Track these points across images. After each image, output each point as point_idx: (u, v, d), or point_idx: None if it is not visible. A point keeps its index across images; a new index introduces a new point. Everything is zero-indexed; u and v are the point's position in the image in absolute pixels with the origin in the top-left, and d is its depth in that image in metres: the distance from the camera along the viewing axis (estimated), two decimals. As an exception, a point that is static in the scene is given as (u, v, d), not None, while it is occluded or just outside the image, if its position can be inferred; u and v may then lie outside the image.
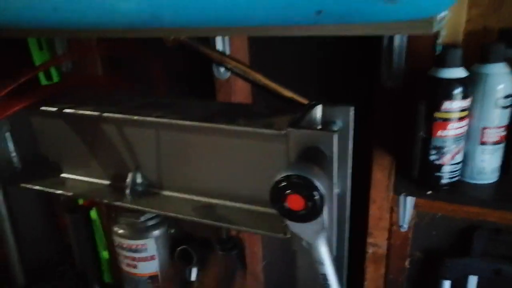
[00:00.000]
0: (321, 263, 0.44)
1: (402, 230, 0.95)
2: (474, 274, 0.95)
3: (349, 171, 0.57)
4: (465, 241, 0.95)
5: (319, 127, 0.53)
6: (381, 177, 0.91)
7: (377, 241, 0.99)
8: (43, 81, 1.03)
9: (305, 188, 0.40)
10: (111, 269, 1.53)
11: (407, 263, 0.99)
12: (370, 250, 1.00)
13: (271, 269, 1.27)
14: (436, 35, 0.77)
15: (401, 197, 0.87)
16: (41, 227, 0.89)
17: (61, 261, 0.93)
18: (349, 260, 1.08)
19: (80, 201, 1.19)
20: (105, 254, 1.54)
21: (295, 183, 0.40)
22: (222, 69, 0.96)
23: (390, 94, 0.85)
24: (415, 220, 0.97)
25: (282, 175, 0.41)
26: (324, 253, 0.44)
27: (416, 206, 0.92)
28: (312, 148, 0.48)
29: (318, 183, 0.40)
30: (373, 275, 1.03)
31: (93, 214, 1.44)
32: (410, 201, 0.89)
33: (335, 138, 0.48)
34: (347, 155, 0.56)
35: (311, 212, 0.41)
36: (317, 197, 0.40)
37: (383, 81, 0.84)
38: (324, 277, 0.45)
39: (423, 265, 1.02)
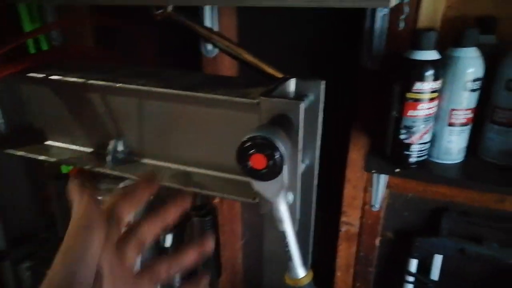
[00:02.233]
0: (280, 221, 0.48)
1: (374, 210, 0.99)
2: (440, 253, 1.00)
3: (318, 143, 0.60)
4: (434, 222, 0.99)
5: (291, 97, 0.56)
6: (357, 157, 0.95)
7: (350, 220, 1.03)
8: (32, 51, 1.05)
9: (267, 147, 0.43)
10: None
11: (377, 241, 1.04)
12: (343, 228, 1.05)
13: (249, 248, 1.31)
14: (415, 19, 0.81)
15: (374, 176, 0.91)
16: (24, 194, 0.91)
17: (43, 229, 0.95)
18: (322, 238, 1.13)
19: (65, 171, 1.21)
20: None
21: (258, 143, 0.43)
22: (209, 47, 0.98)
23: (369, 76, 0.88)
24: (387, 200, 1.01)
25: (248, 136, 0.44)
26: (283, 211, 0.47)
27: (389, 186, 0.96)
28: (281, 116, 0.51)
29: (279, 144, 0.43)
30: (345, 252, 1.07)
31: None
32: (383, 181, 0.93)
33: (302, 107, 0.51)
34: (316, 128, 0.59)
35: (272, 171, 0.44)
36: (277, 156, 0.43)
37: (363, 62, 0.87)
38: (283, 235, 0.48)
39: (393, 244, 1.06)
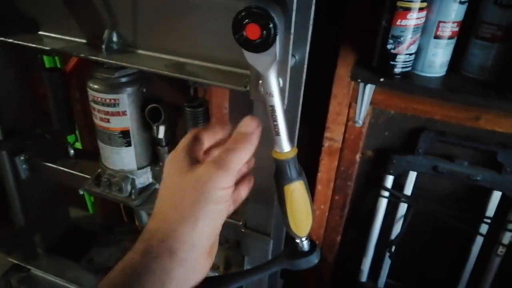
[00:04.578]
0: (271, 95, 0.51)
1: (357, 125, 1.04)
2: (414, 170, 1.07)
3: (309, 38, 0.62)
4: (412, 141, 1.05)
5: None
6: (344, 73, 0.97)
7: (334, 135, 1.08)
8: None
9: (262, 17, 0.45)
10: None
11: (358, 157, 1.10)
12: (326, 143, 1.10)
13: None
14: None
15: (360, 91, 0.95)
16: (19, 88, 0.92)
17: (39, 124, 0.97)
18: (303, 154, 1.18)
19: (49, 65, 1.21)
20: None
21: (253, 13, 0.45)
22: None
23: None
24: (370, 118, 1.06)
25: (243, 6, 0.46)
26: (274, 84, 0.50)
27: (372, 103, 1.00)
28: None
29: (273, 14, 0.45)
30: (327, 167, 1.13)
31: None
32: (367, 96, 0.97)
33: (297, -13, 0.52)
34: (308, 20, 0.61)
35: (266, 41, 0.46)
36: (271, 26, 0.45)
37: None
38: (272, 108, 0.52)
39: (372, 161, 1.13)
